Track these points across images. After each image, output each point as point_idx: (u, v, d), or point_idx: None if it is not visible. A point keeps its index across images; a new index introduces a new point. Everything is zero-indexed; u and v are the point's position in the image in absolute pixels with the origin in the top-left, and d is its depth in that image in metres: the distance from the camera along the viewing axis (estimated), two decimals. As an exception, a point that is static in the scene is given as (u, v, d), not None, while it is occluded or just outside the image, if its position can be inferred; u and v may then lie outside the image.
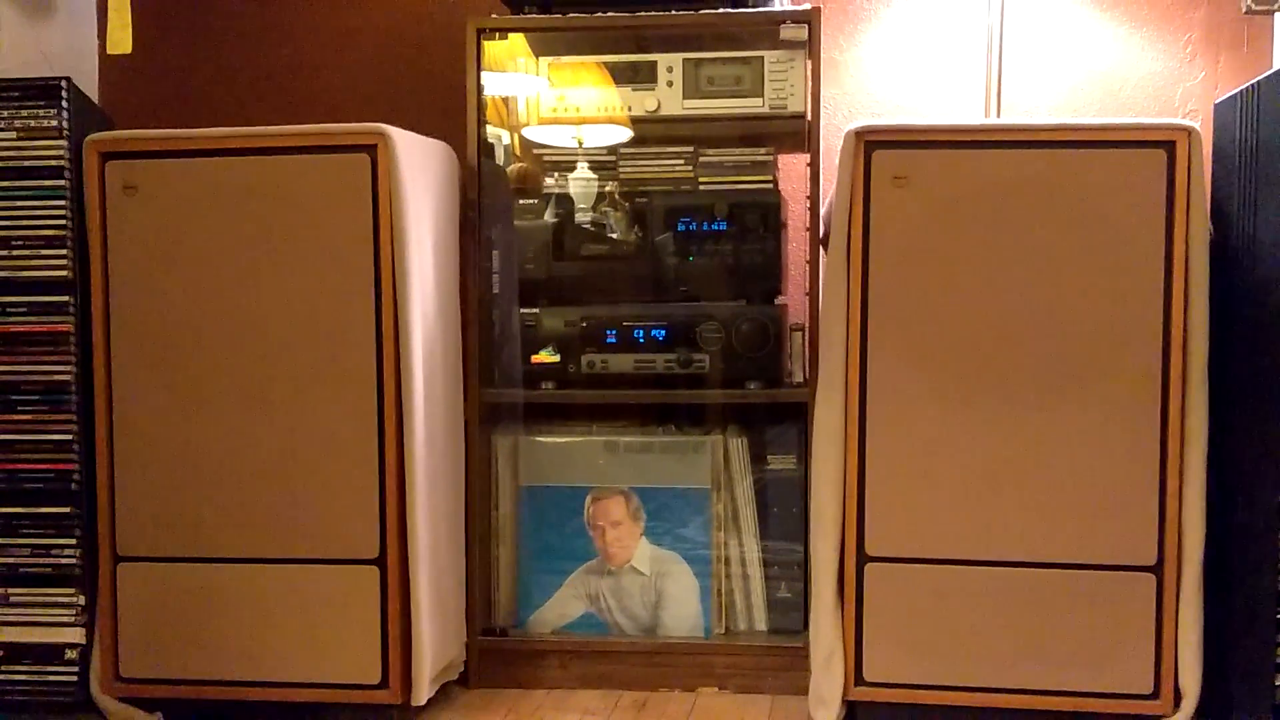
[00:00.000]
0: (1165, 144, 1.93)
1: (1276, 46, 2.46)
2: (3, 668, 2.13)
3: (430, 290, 2.14)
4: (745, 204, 2.34)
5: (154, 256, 2.07)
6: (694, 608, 2.33)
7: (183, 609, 2.09)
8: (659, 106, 2.37)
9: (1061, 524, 1.96)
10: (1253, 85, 1.95)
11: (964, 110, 2.55)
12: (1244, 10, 2.24)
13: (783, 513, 2.33)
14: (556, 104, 2.41)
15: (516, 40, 2.38)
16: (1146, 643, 1.96)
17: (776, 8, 2.32)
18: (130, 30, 2.31)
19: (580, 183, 2.45)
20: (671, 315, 2.33)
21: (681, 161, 2.42)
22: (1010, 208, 1.96)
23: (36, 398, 2.10)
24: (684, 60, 2.36)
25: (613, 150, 2.44)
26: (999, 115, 2.41)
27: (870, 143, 1.98)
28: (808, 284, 2.27)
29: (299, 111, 2.67)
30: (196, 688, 2.09)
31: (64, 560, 2.12)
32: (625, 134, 2.42)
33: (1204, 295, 1.93)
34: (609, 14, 2.29)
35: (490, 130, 2.37)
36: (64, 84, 2.10)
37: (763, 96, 2.33)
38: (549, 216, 2.41)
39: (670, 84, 2.36)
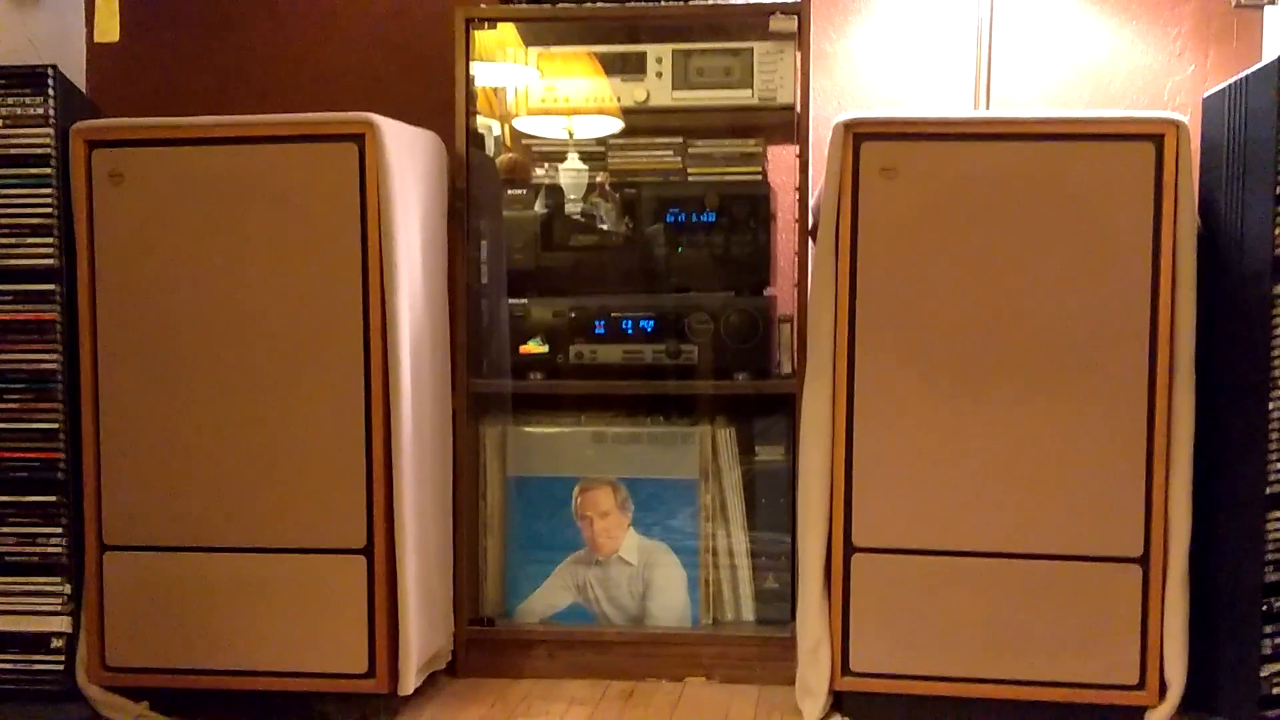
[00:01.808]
0: (1154, 137, 1.93)
1: (1265, 41, 2.46)
2: (-11, 657, 2.13)
3: (418, 280, 2.14)
4: (734, 195, 2.34)
5: (140, 245, 2.06)
6: (682, 598, 2.33)
7: (169, 598, 2.08)
8: (648, 97, 2.37)
9: (1048, 515, 1.97)
10: (1241, 79, 1.95)
11: (953, 102, 2.55)
12: (1233, 4, 2.24)
13: (770, 504, 2.33)
14: (546, 94, 2.40)
15: (506, 30, 2.38)
16: (1132, 634, 1.96)
17: (766, -1, 2.32)
18: (118, 18, 2.30)
19: (570, 173, 2.44)
20: (660, 306, 2.33)
21: (671, 152, 2.42)
22: (998, 200, 1.96)
23: (22, 386, 2.10)
24: (673, 51, 2.35)
25: (602, 141, 2.44)
26: (988, 108, 2.41)
27: (859, 134, 1.98)
28: (796, 275, 2.27)
29: (287, 100, 2.66)
30: (182, 676, 2.09)
31: (50, 549, 2.11)
32: (615, 125, 2.42)
33: (1191, 288, 1.94)
34: (598, 4, 2.29)
35: (480, 120, 2.36)
36: (50, 72, 2.09)
37: (752, 88, 2.33)
38: (538, 207, 2.41)
39: (660, 75, 2.36)
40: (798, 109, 2.27)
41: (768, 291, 2.37)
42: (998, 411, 1.97)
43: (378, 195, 2.01)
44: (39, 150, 2.08)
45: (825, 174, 2.00)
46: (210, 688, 2.09)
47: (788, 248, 2.46)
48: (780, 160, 2.54)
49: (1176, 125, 1.93)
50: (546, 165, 2.46)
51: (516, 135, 2.48)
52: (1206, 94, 2.10)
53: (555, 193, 2.42)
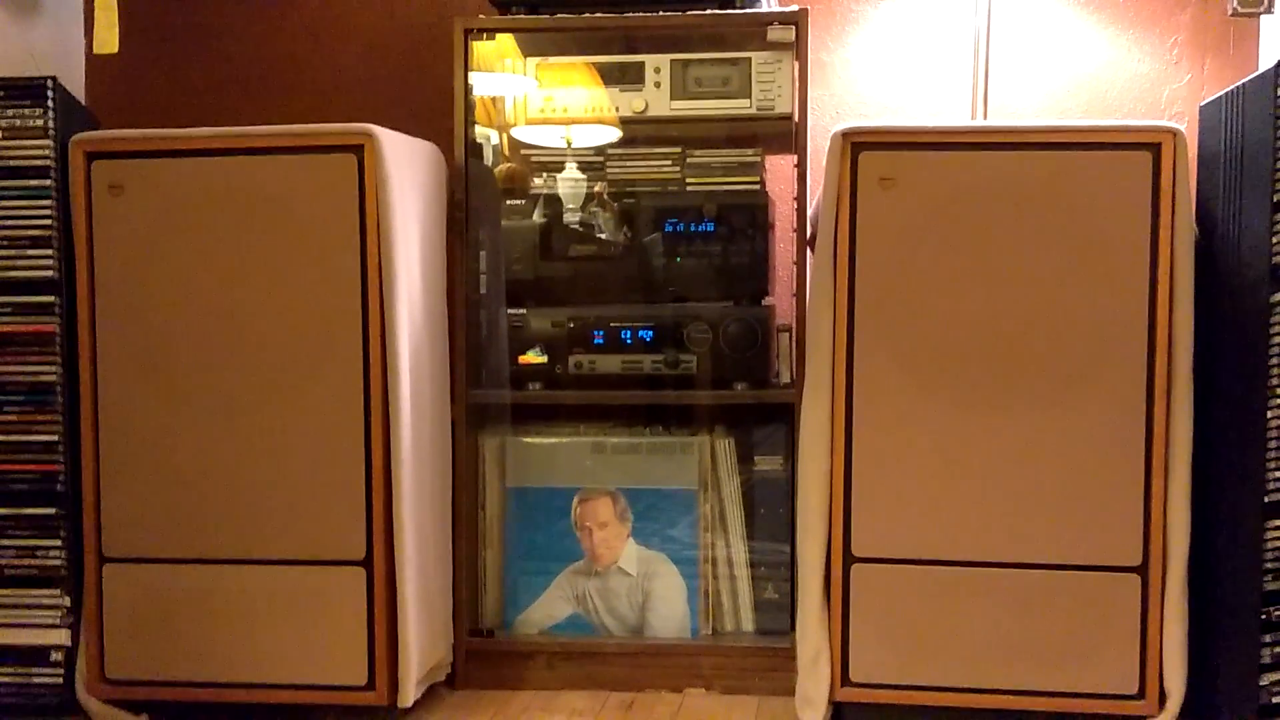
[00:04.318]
0: (1151, 146, 1.94)
1: (1262, 49, 2.46)
2: (-12, 669, 2.13)
3: (417, 291, 2.14)
4: (733, 205, 2.34)
5: (140, 257, 2.06)
6: (681, 608, 2.33)
7: (169, 610, 2.08)
8: (647, 107, 2.37)
9: (1047, 524, 1.97)
10: (1238, 88, 1.96)
11: (951, 112, 2.55)
12: (1230, 12, 2.24)
13: (770, 513, 2.33)
14: (544, 104, 2.41)
15: (504, 40, 2.38)
16: (1132, 643, 1.96)
17: (764, 9, 2.32)
18: (117, 30, 2.31)
19: (568, 183, 2.45)
20: (659, 316, 2.33)
21: (669, 162, 2.42)
22: (996, 209, 1.96)
23: (22, 398, 2.10)
24: (672, 61, 2.36)
25: (601, 151, 2.44)
26: (985, 117, 2.42)
27: (857, 144, 1.98)
28: (795, 285, 2.27)
29: (286, 112, 2.66)
30: (182, 689, 2.09)
31: (49, 561, 2.11)
32: (613, 134, 2.42)
33: (1189, 296, 1.94)
34: (596, 15, 2.29)
35: (478, 130, 2.36)
36: (50, 83, 2.09)
37: (750, 97, 2.34)
38: (537, 217, 2.41)
39: (658, 85, 2.36)
40: (796, 119, 2.27)
41: (766, 301, 2.38)
42: (996, 420, 1.97)
43: (377, 206, 2.02)
44: (38, 162, 2.08)
45: (823, 183, 2.00)
46: (210, 700, 2.09)
47: (786, 257, 2.47)
48: (778, 170, 2.55)
49: (1174, 134, 1.93)
50: (545, 175, 2.46)
51: (515, 145, 2.49)
52: (1203, 102, 2.11)
53: (554, 202, 2.42)
